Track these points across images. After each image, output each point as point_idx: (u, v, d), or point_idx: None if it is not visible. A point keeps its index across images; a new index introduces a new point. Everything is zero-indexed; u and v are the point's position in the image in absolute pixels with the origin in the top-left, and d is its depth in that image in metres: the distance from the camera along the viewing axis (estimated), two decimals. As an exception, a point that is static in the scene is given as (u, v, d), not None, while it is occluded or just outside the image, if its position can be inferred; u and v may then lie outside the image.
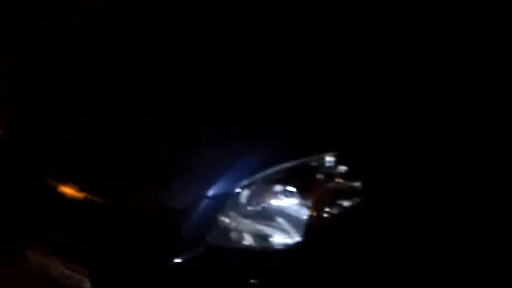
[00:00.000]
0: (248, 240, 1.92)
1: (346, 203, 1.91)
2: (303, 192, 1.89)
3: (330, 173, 1.91)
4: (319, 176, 1.91)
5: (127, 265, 2.04)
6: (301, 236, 1.88)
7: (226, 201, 1.91)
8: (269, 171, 1.90)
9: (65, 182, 2.16)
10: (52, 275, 2.22)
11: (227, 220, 1.91)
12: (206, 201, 1.92)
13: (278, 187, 1.90)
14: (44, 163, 2.28)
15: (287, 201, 1.90)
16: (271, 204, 1.90)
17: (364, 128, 1.98)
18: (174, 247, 1.94)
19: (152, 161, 2.09)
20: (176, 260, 1.93)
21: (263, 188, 1.91)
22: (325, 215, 1.90)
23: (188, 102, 2.21)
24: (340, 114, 2.02)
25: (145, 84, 2.37)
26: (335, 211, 1.90)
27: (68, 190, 2.14)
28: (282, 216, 1.90)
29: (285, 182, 1.90)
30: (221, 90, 2.20)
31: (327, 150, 1.92)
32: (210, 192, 1.92)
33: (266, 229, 1.90)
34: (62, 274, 2.17)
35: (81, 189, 2.12)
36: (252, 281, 1.89)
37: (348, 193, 1.91)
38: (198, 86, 2.26)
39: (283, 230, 1.89)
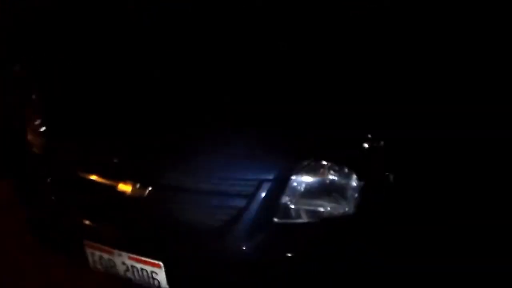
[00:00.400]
0: (306, 216, 2.04)
1: (392, 177, 2.05)
2: (354, 167, 2.02)
3: (378, 148, 2.05)
4: (369, 151, 2.05)
5: (199, 254, 2.11)
6: (354, 207, 2.02)
7: (287, 182, 2.03)
8: (322, 152, 2.04)
9: (124, 178, 2.19)
10: (117, 269, 2.25)
11: (288, 200, 2.03)
12: (269, 184, 2.03)
13: (332, 165, 2.02)
14: (99, 161, 2.29)
15: (340, 176, 2.03)
16: (326, 180, 2.03)
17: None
18: (242, 232, 2.04)
19: (213, 150, 2.14)
20: (246, 245, 2.04)
21: (319, 166, 2.03)
22: (375, 187, 2.04)
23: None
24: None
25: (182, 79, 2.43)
26: (383, 183, 2.05)
27: (127, 187, 2.17)
28: (337, 190, 2.02)
29: (338, 160, 2.03)
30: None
31: (373, 127, 2.07)
32: (273, 176, 2.03)
33: (323, 204, 2.03)
34: (130, 268, 2.21)
35: (143, 184, 2.16)
36: (312, 252, 2.03)
37: (393, 167, 2.06)
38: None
39: (338, 204, 2.02)
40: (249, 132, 2.14)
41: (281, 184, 2.04)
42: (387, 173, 2.05)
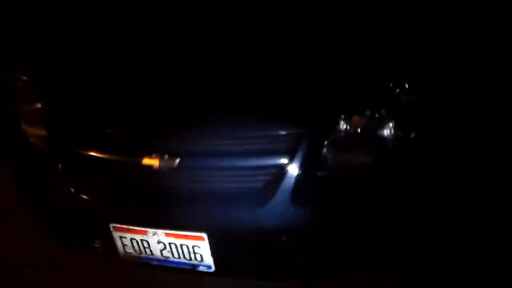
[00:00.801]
0: (340, 165, 2.01)
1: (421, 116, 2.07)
2: (388, 115, 2.01)
3: (411, 98, 2.06)
4: (402, 99, 2.05)
5: (244, 220, 2.01)
6: (388, 153, 2.01)
7: (327, 134, 1.99)
8: (358, 100, 2.03)
9: (149, 152, 2.05)
10: (152, 250, 2.12)
11: (327, 152, 1.99)
12: (309, 138, 1.98)
13: (368, 113, 2.01)
14: (119, 139, 2.15)
15: (376, 125, 2.01)
16: (362, 128, 2.01)
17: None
18: (286, 191, 1.97)
19: (247, 107, 2.06)
20: (291, 204, 1.98)
21: (357, 117, 2.01)
22: (408, 134, 2.04)
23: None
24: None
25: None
26: (416, 132, 2.05)
27: (154, 161, 2.04)
28: (373, 137, 2.01)
29: (374, 109, 2.01)
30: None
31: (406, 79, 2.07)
32: (311, 129, 1.99)
33: (360, 152, 2.02)
34: (168, 246, 2.09)
35: (172, 155, 2.03)
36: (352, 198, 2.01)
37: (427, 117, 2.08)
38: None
39: (375, 150, 2.01)
40: (285, 87, 2.07)
41: (321, 137, 1.99)
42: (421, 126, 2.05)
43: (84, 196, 2.16)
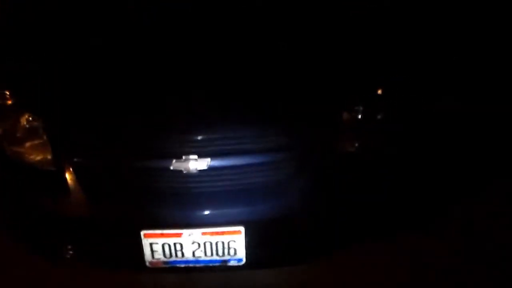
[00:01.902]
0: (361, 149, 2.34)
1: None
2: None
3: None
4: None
5: (275, 211, 2.21)
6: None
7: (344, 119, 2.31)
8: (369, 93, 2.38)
9: (179, 155, 2.17)
10: (184, 252, 2.22)
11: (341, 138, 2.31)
12: (322, 129, 2.26)
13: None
14: (147, 143, 2.22)
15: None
16: (379, 116, 2.36)
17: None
18: (308, 180, 2.24)
19: (264, 106, 2.27)
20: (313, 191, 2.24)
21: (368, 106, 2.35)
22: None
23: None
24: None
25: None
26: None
27: (185, 164, 2.16)
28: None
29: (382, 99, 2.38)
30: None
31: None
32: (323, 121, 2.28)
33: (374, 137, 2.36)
34: (203, 245, 2.20)
35: (201, 156, 2.17)
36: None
37: None
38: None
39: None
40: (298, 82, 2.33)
41: (332, 125, 2.29)
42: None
43: (108, 207, 2.19)
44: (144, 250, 2.22)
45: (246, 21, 2.62)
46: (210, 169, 2.18)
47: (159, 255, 2.23)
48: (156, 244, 2.21)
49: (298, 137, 2.25)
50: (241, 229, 2.19)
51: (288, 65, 2.39)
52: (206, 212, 2.20)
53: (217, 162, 2.18)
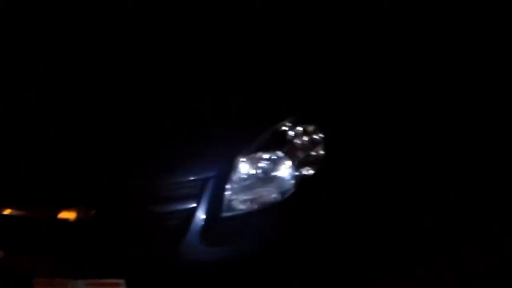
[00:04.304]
0: (247, 205, 2.12)
1: (314, 154, 2.19)
2: (280, 153, 2.14)
3: (296, 133, 2.18)
4: (289, 136, 2.17)
5: (158, 263, 2.08)
6: (289, 189, 2.13)
7: (227, 177, 2.09)
8: (252, 144, 2.14)
9: (66, 205, 2.10)
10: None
11: (230, 193, 2.09)
12: (213, 181, 2.08)
13: (261, 155, 2.13)
14: (35, 194, 2.17)
15: (271, 164, 2.14)
16: (259, 170, 2.13)
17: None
18: (195, 233, 2.07)
19: (154, 157, 2.14)
20: (199, 245, 2.07)
21: (251, 158, 2.12)
22: (302, 167, 2.16)
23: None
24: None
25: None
26: (308, 162, 2.18)
27: (71, 213, 2.09)
28: (271, 177, 2.13)
29: (266, 149, 2.14)
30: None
31: (289, 115, 2.19)
32: (214, 173, 2.09)
33: (260, 191, 2.12)
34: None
35: (87, 207, 2.09)
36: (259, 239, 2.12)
37: (313, 146, 2.19)
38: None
39: (274, 189, 2.13)
40: (186, 135, 2.17)
41: (223, 180, 2.08)
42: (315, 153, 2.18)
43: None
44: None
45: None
46: (94, 219, 2.09)
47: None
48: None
49: (190, 189, 2.10)
50: (122, 281, 2.13)
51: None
52: (88, 262, 2.15)
53: (101, 212, 2.08)
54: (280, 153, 2.13)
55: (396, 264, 2.47)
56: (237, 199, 2.10)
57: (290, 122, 2.18)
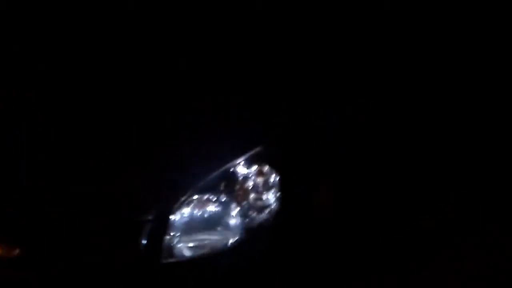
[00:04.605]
0: (191, 252, 1.96)
1: (267, 197, 2.03)
2: (229, 196, 1.99)
3: (248, 174, 2.02)
4: (240, 177, 2.01)
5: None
6: (238, 235, 1.98)
7: (168, 220, 1.93)
8: (198, 185, 1.97)
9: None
10: None
11: (170, 238, 1.93)
12: (151, 224, 1.92)
13: (207, 197, 1.97)
14: None
15: (218, 207, 1.98)
16: (205, 213, 1.97)
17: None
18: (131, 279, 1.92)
19: (89, 194, 1.98)
20: None
21: (196, 201, 1.96)
22: (253, 211, 2.02)
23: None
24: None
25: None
26: (260, 206, 2.03)
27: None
28: (217, 221, 1.98)
29: (213, 191, 1.98)
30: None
31: (240, 154, 2.02)
32: (153, 216, 1.92)
33: (206, 237, 1.97)
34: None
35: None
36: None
37: (267, 188, 2.03)
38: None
39: (220, 234, 1.98)
40: (123, 173, 2.00)
41: (162, 223, 1.92)
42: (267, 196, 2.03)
43: None
44: None
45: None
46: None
47: None
48: None
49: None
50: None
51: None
52: None
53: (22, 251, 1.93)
54: (229, 196, 1.97)
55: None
56: (179, 244, 1.93)
57: (243, 161, 2.01)
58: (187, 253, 1.95)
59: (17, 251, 1.93)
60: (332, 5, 2.56)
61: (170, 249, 1.93)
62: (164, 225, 1.92)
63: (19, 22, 2.67)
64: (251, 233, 1.99)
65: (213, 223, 1.97)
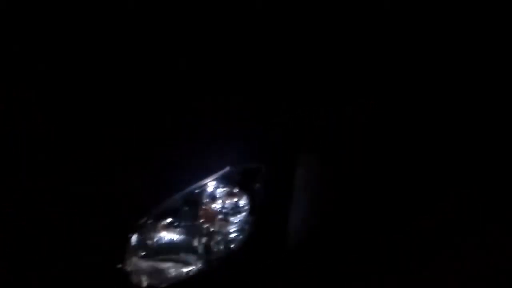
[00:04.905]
0: (149, 280, 1.85)
1: (235, 221, 1.90)
2: (192, 220, 1.87)
3: (214, 196, 1.87)
4: (204, 201, 1.87)
5: None
6: (201, 263, 1.87)
7: (122, 247, 1.82)
8: (156, 208, 1.84)
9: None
10: None
11: (126, 266, 1.82)
12: (105, 248, 1.82)
13: (168, 221, 1.85)
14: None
15: (179, 232, 1.87)
16: (164, 239, 1.86)
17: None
18: None
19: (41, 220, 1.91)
20: None
21: (154, 226, 1.86)
22: (218, 237, 1.90)
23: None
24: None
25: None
26: (226, 231, 1.90)
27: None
28: (178, 247, 1.86)
29: (174, 215, 1.86)
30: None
31: (206, 176, 1.87)
32: (107, 239, 1.82)
33: (166, 265, 1.86)
34: None
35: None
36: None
37: (235, 211, 1.90)
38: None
39: (182, 262, 1.86)
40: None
41: (117, 248, 1.82)
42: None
43: None
44: None
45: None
46: None
47: None
48: None
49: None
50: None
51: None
52: None
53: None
54: (192, 221, 1.82)
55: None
56: (135, 273, 1.81)
57: (210, 183, 1.82)
58: (145, 282, 1.81)
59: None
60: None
61: (128, 277, 1.79)
62: (119, 249, 1.79)
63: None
64: (215, 263, 1.86)
65: (173, 250, 1.83)
